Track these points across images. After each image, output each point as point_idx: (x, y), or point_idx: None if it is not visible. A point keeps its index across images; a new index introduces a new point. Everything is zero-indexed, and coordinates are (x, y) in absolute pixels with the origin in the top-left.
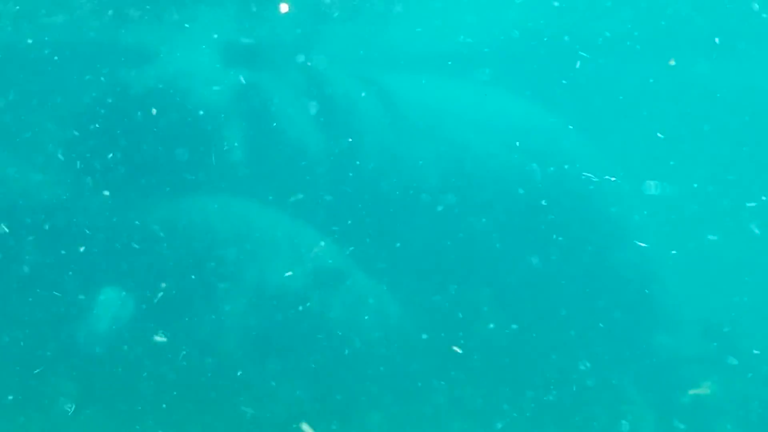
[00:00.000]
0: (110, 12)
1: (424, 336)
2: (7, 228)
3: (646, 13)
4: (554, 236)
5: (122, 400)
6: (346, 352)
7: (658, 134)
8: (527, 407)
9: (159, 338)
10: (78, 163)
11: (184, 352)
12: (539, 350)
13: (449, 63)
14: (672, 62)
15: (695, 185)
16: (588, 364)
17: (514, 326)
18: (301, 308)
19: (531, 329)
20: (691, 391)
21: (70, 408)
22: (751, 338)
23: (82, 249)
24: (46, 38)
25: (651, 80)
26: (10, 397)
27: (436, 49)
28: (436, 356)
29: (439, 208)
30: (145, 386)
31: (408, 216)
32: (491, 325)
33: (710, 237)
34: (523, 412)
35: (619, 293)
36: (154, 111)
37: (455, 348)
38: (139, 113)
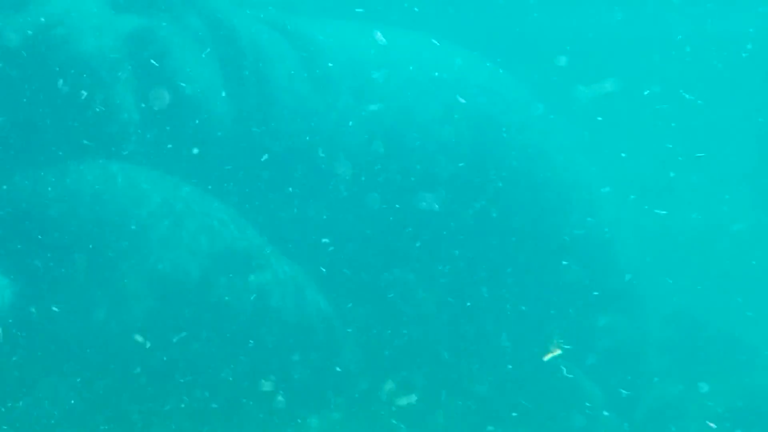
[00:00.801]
0: None
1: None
2: None
3: None
4: (501, 211)
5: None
6: (251, 346)
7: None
8: (467, 395)
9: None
10: None
11: (66, 336)
12: (480, 334)
13: (378, 7)
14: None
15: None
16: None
17: (453, 312)
18: (204, 297)
19: (470, 313)
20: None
21: None
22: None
23: None
24: None
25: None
26: None
27: None
28: (361, 347)
29: (366, 180)
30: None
31: (329, 188)
32: (427, 312)
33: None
34: (465, 400)
35: (571, 273)
36: (42, 52)
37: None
38: (17, 64)
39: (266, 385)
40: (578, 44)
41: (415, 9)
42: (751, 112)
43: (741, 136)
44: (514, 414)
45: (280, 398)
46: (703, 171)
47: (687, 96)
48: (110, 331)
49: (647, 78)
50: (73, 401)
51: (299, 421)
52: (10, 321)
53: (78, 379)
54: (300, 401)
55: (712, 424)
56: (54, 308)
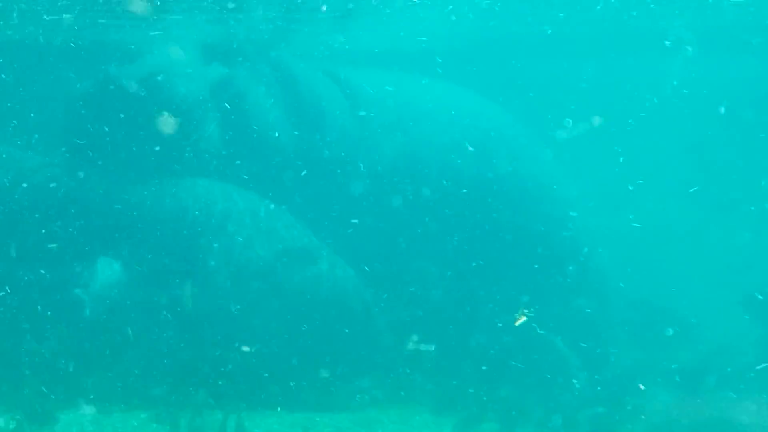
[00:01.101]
0: (103, 14)
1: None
2: (10, 206)
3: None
4: (498, 220)
5: (115, 356)
6: (305, 326)
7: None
8: (468, 354)
9: (149, 303)
10: (73, 149)
11: (170, 316)
12: (480, 307)
13: (405, 60)
14: None
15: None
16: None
17: (458, 297)
18: (273, 282)
19: (472, 292)
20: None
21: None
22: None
23: (78, 225)
24: (46, 36)
25: (583, 84)
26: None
27: (393, 47)
28: (390, 319)
29: (397, 194)
30: (136, 345)
31: (367, 199)
32: (438, 293)
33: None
34: (467, 359)
35: (557, 269)
36: (147, 95)
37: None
38: (127, 104)
39: (316, 354)
40: (561, 93)
41: (438, 59)
42: (688, 140)
43: (684, 160)
44: (507, 373)
45: (328, 363)
46: (655, 187)
47: (631, 122)
48: (198, 310)
49: (613, 120)
50: (165, 361)
51: (343, 383)
52: (115, 292)
53: (165, 349)
54: (344, 366)
55: (642, 386)
56: (154, 288)
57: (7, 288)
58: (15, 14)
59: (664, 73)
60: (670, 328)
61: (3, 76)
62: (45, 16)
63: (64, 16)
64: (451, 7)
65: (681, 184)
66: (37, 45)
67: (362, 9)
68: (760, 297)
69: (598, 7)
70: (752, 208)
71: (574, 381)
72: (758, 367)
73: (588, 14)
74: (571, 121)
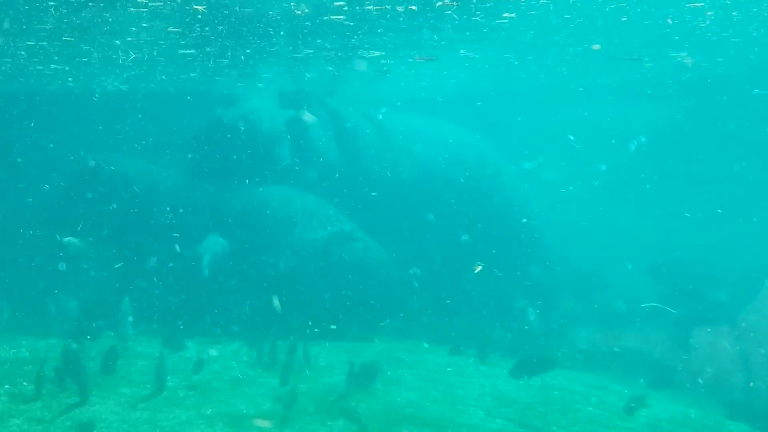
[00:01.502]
0: (214, 73)
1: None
2: (150, 204)
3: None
4: (478, 216)
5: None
6: (348, 284)
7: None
8: (458, 306)
9: (244, 267)
10: (190, 164)
11: (257, 276)
12: (466, 271)
13: (416, 105)
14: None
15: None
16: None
17: (449, 263)
18: (325, 255)
19: (461, 264)
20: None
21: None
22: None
23: (195, 213)
24: (177, 88)
25: (539, 125)
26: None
27: (407, 96)
28: (405, 281)
29: (409, 197)
30: (234, 296)
31: (390, 200)
32: (437, 263)
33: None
34: (459, 312)
35: (517, 248)
36: (242, 129)
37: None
38: (228, 135)
39: (355, 303)
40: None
41: (438, 98)
42: (612, 161)
43: (609, 175)
44: (483, 317)
45: (363, 310)
46: (591, 193)
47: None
48: (274, 271)
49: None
50: (254, 306)
51: (374, 323)
52: (221, 259)
53: (253, 298)
54: (374, 312)
55: (565, 320)
56: (247, 257)
57: (147, 259)
58: (158, 73)
59: (597, 118)
60: (596, 286)
61: (142, 115)
62: (177, 76)
63: (190, 75)
64: (445, 72)
65: (607, 191)
66: (170, 94)
67: (391, 70)
68: (659, 262)
69: (564, 70)
70: (653, 207)
71: (528, 323)
72: (643, 305)
73: (551, 75)
74: (531, 148)
